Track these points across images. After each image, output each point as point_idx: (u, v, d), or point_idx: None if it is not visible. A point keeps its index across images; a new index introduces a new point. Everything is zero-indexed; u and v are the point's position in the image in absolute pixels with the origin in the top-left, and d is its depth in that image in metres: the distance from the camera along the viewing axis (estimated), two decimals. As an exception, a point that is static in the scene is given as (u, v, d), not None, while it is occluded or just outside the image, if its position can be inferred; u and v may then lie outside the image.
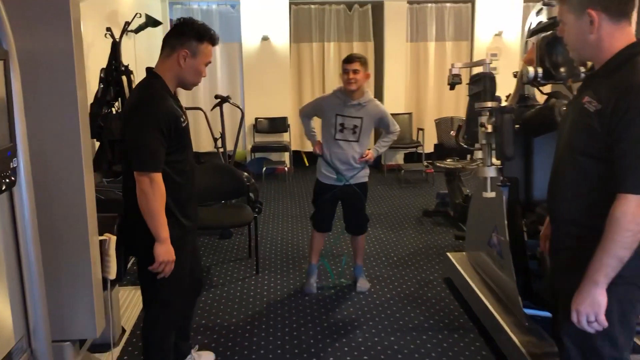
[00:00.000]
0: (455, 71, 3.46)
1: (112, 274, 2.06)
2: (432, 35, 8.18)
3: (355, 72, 3.54)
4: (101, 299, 1.97)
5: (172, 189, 2.20)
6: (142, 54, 6.38)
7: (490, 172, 3.20)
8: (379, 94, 8.34)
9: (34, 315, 1.56)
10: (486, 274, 3.64)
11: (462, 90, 8.24)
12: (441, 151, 6.32)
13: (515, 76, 3.38)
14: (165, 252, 2.15)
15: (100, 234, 2.10)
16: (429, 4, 8.08)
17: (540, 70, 3.08)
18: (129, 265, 2.82)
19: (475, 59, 8.01)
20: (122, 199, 2.37)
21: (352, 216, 3.94)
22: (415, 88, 8.41)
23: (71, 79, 1.77)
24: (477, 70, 3.66)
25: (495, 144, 3.20)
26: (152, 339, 2.41)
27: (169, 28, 7.74)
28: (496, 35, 8.04)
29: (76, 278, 1.86)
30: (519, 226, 3.30)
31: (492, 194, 3.20)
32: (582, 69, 3.05)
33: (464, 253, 4.11)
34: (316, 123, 3.93)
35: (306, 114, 3.94)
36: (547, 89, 3.26)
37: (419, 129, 8.17)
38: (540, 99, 3.45)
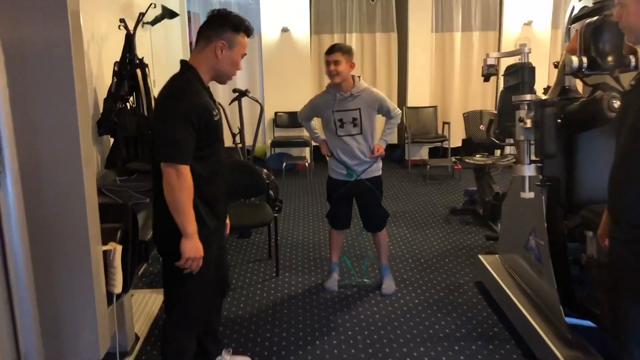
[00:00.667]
0: (490, 61, 3.21)
1: (118, 288, 1.87)
2: (458, 25, 7.87)
3: (336, 63, 3.39)
4: (105, 316, 1.77)
5: (199, 185, 2.13)
6: (158, 47, 6.20)
7: (529, 171, 2.96)
8: (402, 86, 8.08)
9: (25, 338, 1.37)
10: (522, 279, 3.40)
11: (490, 82, 7.97)
12: (469, 146, 6.05)
13: (556, 66, 3.11)
14: (192, 247, 2.09)
15: (105, 243, 1.90)
16: (455, -7, 7.78)
17: (585, 59, 2.83)
18: (142, 269, 2.62)
19: (503, 49, 7.70)
20: (131, 206, 2.21)
21: (367, 212, 3.78)
22: (440, 80, 8.12)
23: (69, 71, 1.57)
24: (512, 60, 3.42)
25: (535, 141, 2.96)
26: (171, 342, 2.30)
27: (186, 20, 7.65)
28: (525, 24, 7.70)
29: (76, 293, 1.67)
30: (560, 229, 3.05)
31: (531, 195, 2.96)
32: (632, 58, 2.80)
33: (496, 255, 3.87)
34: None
35: (305, 117, 3.84)
36: (591, 80, 3.00)
37: (445, 123, 7.89)
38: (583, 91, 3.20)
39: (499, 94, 7.71)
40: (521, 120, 2.90)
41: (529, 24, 7.68)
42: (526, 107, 2.99)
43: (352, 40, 7.89)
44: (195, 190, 2.10)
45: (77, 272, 1.66)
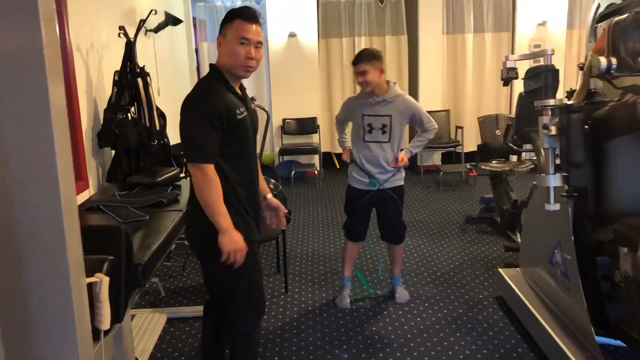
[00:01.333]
0: (510, 64, 3.00)
1: (105, 324, 1.69)
2: (470, 26, 7.65)
3: (363, 73, 3.29)
4: (91, 356, 1.59)
5: (228, 183, 2.18)
6: (162, 55, 6.05)
7: (554, 181, 2.76)
8: (413, 90, 7.87)
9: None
10: (547, 295, 3.18)
11: (509, 83, 7.75)
12: (484, 152, 5.83)
13: (581, 68, 2.91)
14: (229, 240, 2.12)
15: (90, 273, 1.72)
16: (467, -7, 7.57)
17: (613, 60, 2.62)
18: (138, 294, 2.45)
19: (517, 51, 7.48)
20: (124, 229, 2.04)
21: (388, 223, 3.65)
22: (452, 83, 7.90)
23: (41, 81, 1.39)
24: (527, 63, 3.22)
25: (560, 149, 2.76)
26: (238, 334, 2.42)
27: (192, 27, 7.50)
28: (539, 25, 7.48)
29: (55, 334, 1.48)
30: (589, 243, 2.84)
31: (556, 207, 2.76)
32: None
33: (517, 269, 3.65)
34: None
35: (341, 120, 3.76)
36: (619, 82, 2.79)
37: (458, 127, 7.67)
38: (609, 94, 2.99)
39: (514, 97, 7.56)
40: (545, 127, 2.70)
41: (543, 24, 7.45)
42: (550, 113, 2.79)
43: (362, 44, 7.70)
44: (228, 187, 2.16)
45: (56, 309, 1.47)
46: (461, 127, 7.60)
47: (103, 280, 1.66)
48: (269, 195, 2.56)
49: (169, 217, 3.03)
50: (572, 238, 2.78)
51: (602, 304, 2.80)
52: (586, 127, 2.66)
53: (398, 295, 3.69)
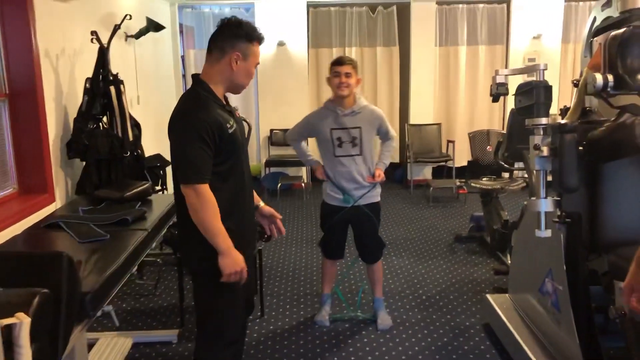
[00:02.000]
0: (500, 79, 2.81)
1: (27, 371, 1.47)
2: (463, 39, 7.48)
3: (347, 75, 3.20)
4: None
5: (219, 199, 2.08)
6: (145, 62, 5.85)
7: (546, 206, 2.56)
8: (404, 103, 7.70)
9: None
10: (536, 325, 2.98)
11: (499, 99, 7.54)
12: (474, 168, 5.65)
13: (575, 85, 2.72)
14: (230, 263, 2.07)
15: (18, 310, 1.51)
16: (460, 5, 7.40)
17: (610, 77, 2.43)
18: (86, 325, 2.22)
19: (511, 64, 7.33)
20: (66, 256, 1.82)
21: (364, 241, 3.51)
22: (444, 97, 7.72)
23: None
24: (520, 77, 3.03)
25: (553, 171, 2.56)
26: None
27: (178, 33, 7.31)
28: (534, 38, 7.32)
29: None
30: (582, 273, 2.63)
31: (548, 233, 2.56)
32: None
33: (506, 295, 3.45)
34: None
35: (296, 136, 3.56)
36: (616, 101, 2.61)
37: (449, 142, 7.49)
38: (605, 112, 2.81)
39: (508, 112, 7.38)
40: (537, 147, 2.50)
41: (538, 37, 7.29)
42: (542, 132, 2.60)
43: (352, 54, 7.51)
44: (221, 206, 2.08)
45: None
46: (452, 142, 7.42)
47: (24, 322, 1.45)
48: (261, 204, 2.53)
49: (132, 236, 2.82)
50: (564, 267, 2.58)
51: (595, 339, 2.59)
52: (580, 148, 2.46)
53: (380, 321, 3.51)
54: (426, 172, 7.67)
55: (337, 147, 3.29)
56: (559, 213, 2.66)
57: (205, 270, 2.15)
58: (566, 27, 7.41)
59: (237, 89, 2.23)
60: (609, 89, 2.44)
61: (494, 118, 7.68)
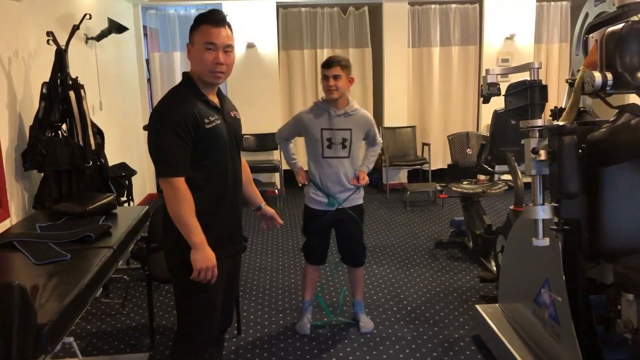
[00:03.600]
0: (491, 79, 2.65)
1: None
2: (436, 39, 7.37)
3: (336, 77, 3.09)
4: None
5: (198, 196, 2.05)
6: (107, 65, 5.55)
7: (543, 213, 2.41)
8: (378, 105, 7.54)
9: None
10: (531, 337, 2.83)
11: (471, 99, 7.49)
12: (454, 171, 5.52)
13: (571, 85, 2.58)
14: (202, 258, 2.03)
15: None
16: (433, 5, 7.29)
17: (609, 75, 2.29)
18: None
19: (485, 65, 7.25)
20: (18, 286, 1.58)
21: (348, 245, 3.45)
22: (418, 99, 7.59)
23: None
24: (510, 77, 2.88)
25: (551, 176, 2.42)
26: (177, 355, 2.28)
27: (142, 36, 7.01)
28: (507, 38, 7.26)
29: None
30: (582, 283, 2.49)
31: (545, 242, 2.41)
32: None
33: (496, 305, 3.29)
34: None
35: (285, 135, 3.47)
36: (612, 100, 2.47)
37: (424, 144, 7.36)
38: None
39: (483, 113, 7.30)
40: (535, 151, 2.35)
41: (511, 38, 7.23)
42: (537, 135, 2.45)
43: (324, 56, 7.32)
44: (198, 202, 2.04)
45: None
46: (428, 144, 7.29)
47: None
48: (263, 205, 2.53)
49: (95, 255, 2.57)
50: (564, 277, 2.43)
51: (598, 352, 2.45)
52: (580, 151, 2.32)
53: (362, 324, 3.47)
54: (402, 176, 7.52)
55: (326, 147, 3.22)
56: (556, 220, 2.51)
57: (180, 267, 2.10)
58: (538, 28, 7.37)
59: (205, 77, 2.09)
60: (607, 88, 2.30)
61: (468, 119, 7.59)
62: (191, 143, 2.02)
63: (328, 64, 3.11)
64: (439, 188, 5.18)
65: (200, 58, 2.05)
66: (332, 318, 3.59)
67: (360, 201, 3.37)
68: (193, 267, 2.03)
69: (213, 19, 2.05)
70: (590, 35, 2.56)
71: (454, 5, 7.29)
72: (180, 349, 2.26)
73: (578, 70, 2.60)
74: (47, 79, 3.63)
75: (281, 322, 3.60)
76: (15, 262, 2.50)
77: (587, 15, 2.71)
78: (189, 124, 2.00)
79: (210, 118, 2.07)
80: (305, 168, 3.38)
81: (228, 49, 2.08)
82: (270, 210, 2.55)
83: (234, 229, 2.29)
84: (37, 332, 1.78)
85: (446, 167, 7.42)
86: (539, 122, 2.42)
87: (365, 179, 3.29)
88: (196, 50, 2.06)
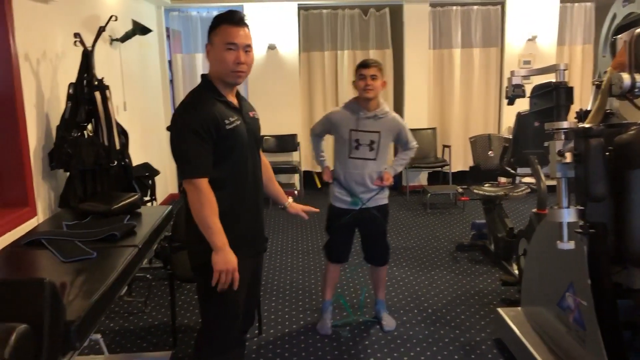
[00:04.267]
0: (516, 80, 2.64)
1: None
2: (457, 41, 7.32)
3: (373, 78, 3.13)
4: None
5: (218, 197, 2.05)
6: (131, 66, 5.62)
7: (569, 216, 2.38)
8: (398, 106, 7.53)
9: None
10: (555, 342, 2.80)
11: (492, 101, 7.42)
12: (474, 174, 5.48)
13: (598, 86, 2.56)
14: (222, 260, 2.03)
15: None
16: (454, 7, 7.25)
17: (638, 77, 2.27)
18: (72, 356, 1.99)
19: (506, 67, 7.19)
20: (49, 283, 1.60)
21: (371, 244, 3.49)
22: (439, 100, 7.56)
23: None
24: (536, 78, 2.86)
25: (577, 179, 2.39)
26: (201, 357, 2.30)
27: (165, 37, 7.08)
28: (529, 40, 7.18)
29: None
30: (608, 287, 2.46)
31: (571, 245, 2.38)
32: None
33: (519, 309, 3.27)
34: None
35: (318, 132, 3.49)
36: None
37: (445, 146, 7.33)
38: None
39: (504, 115, 7.24)
40: (561, 153, 2.33)
41: (533, 39, 7.16)
42: (562, 137, 2.43)
43: (344, 57, 7.34)
44: (220, 203, 2.05)
45: None
46: (448, 146, 7.26)
47: (-3, 369, 1.23)
48: (288, 203, 2.59)
49: (121, 254, 2.60)
50: (589, 281, 2.40)
51: (624, 358, 2.41)
52: (607, 153, 2.29)
53: (385, 323, 3.51)
54: (422, 178, 7.50)
55: (353, 148, 3.25)
56: (581, 223, 2.49)
57: (203, 267, 2.10)
58: (561, 30, 7.29)
59: (226, 78, 2.10)
60: (636, 90, 2.27)
61: (489, 121, 7.53)
62: (212, 144, 2.03)
63: (366, 64, 3.15)
64: (460, 190, 5.15)
65: (221, 58, 2.05)
66: (354, 317, 3.62)
67: (385, 201, 3.39)
68: (214, 269, 2.04)
69: (232, 19, 2.07)
70: (619, 36, 2.53)
71: (475, 7, 7.24)
72: (204, 350, 2.27)
73: (605, 72, 2.58)
74: (73, 80, 3.69)
75: (302, 322, 3.61)
76: (43, 259, 2.54)
77: (614, 16, 2.68)
78: (210, 125, 2.01)
79: (230, 119, 2.08)
80: (332, 167, 3.42)
81: (247, 48, 2.10)
82: (295, 207, 2.60)
83: (255, 229, 2.30)
84: (66, 329, 1.81)
85: (466, 169, 7.38)
86: (565, 124, 2.40)
87: (389, 180, 3.30)
88: (217, 51, 2.06)
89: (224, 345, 2.25)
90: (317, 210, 2.62)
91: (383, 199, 3.37)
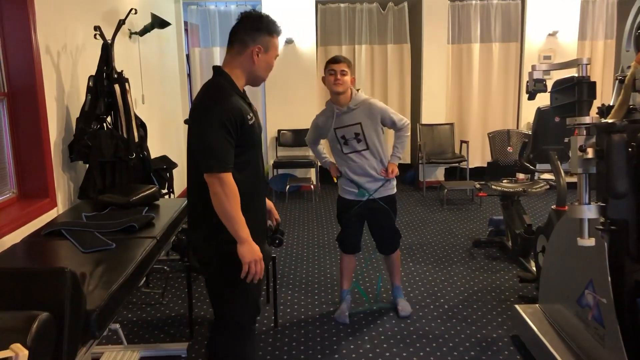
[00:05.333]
0: (537, 75, 2.61)
1: (23, 411, 1.27)
2: (476, 36, 7.27)
3: (343, 73, 3.24)
4: None
5: (241, 192, 2.08)
6: (149, 59, 5.65)
7: (590, 213, 2.35)
8: (416, 102, 7.49)
9: None
10: (573, 339, 2.77)
11: (511, 97, 7.36)
12: (494, 169, 5.44)
13: (621, 81, 2.52)
14: (249, 251, 2.07)
15: (13, 337, 1.31)
16: (473, 1, 7.18)
17: (664, 72, 2.22)
18: (93, 344, 2.02)
19: (526, 62, 7.11)
20: (69, 271, 1.62)
21: (380, 234, 3.58)
22: (457, 96, 7.50)
23: None
24: (557, 73, 2.82)
25: (598, 175, 2.36)
26: (219, 354, 2.29)
27: (183, 31, 7.11)
28: (550, 35, 7.10)
29: None
30: (629, 285, 2.43)
31: (591, 242, 2.35)
32: None
33: (536, 306, 3.24)
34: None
35: (311, 140, 3.65)
36: None
37: (463, 142, 7.28)
38: None
39: (523, 111, 7.17)
40: (582, 149, 2.30)
41: (553, 34, 7.08)
42: (584, 132, 2.39)
43: (362, 52, 7.32)
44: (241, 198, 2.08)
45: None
46: (466, 142, 7.21)
47: (20, 355, 1.24)
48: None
49: (140, 245, 2.62)
50: (609, 279, 2.37)
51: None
52: (629, 150, 2.26)
53: (401, 308, 3.60)
54: (439, 174, 7.46)
55: (343, 145, 3.36)
56: (602, 220, 2.46)
57: (220, 260, 2.15)
58: (582, 24, 7.19)
59: (256, 81, 2.25)
60: (662, 85, 2.24)
61: (508, 117, 7.46)
62: (236, 138, 2.06)
63: (335, 60, 3.24)
64: (478, 186, 5.11)
65: (270, 65, 2.23)
66: (371, 305, 3.70)
67: (392, 191, 3.46)
68: (242, 260, 2.05)
69: (280, 33, 2.25)
70: (643, 30, 2.49)
71: (495, 1, 7.17)
72: (223, 341, 2.27)
73: (628, 67, 2.53)
74: (93, 73, 3.72)
75: (317, 316, 3.61)
76: (62, 249, 2.57)
77: (639, 9, 2.63)
78: (237, 119, 2.05)
79: (249, 114, 2.13)
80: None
81: None
82: (269, 203, 2.47)
83: (263, 221, 2.34)
84: (87, 318, 1.83)
85: (484, 165, 7.33)
86: (587, 120, 2.37)
87: (394, 172, 3.37)
88: (269, 57, 2.19)
89: (243, 335, 2.28)
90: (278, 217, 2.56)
91: (390, 189, 3.44)
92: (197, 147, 2.09)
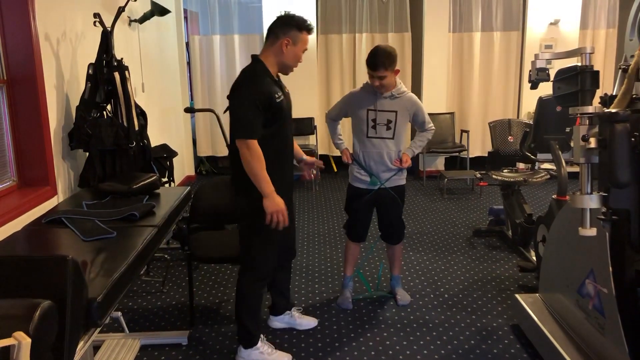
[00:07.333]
0: (540, 64, 2.59)
1: (27, 399, 1.27)
2: (477, 24, 7.23)
3: (381, 78, 3.18)
4: None
5: (267, 152, 2.52)
6: (149, 47, 5.62)
7: (591, 202, 2.35)
8: (416, 90, 7.45)
9: None
10: (573, 329, 2.78)
11: (512, 86, 7.32)
12: (495, 159, 5.43)
13: (624, 71, 2.50)
14: (272, 203, 2.51)
15: (15, 325, 1.30)
16: (475, -10, 7.14)
17: (668, 61, 2.21)
18: (94, 333, 2.02)
19: (527, 51, 7.08)
20: (72, 259, 1.61)
21: (388, 224, 3.58)
22: (458, 85, 7.48)
23: None
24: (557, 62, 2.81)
25: (600, 165, 2.35)
26: (238, 293, 2.79)
27: (183, 18, 7.06)
28: (551, 24, 7.06)
29: None
30: (629, 275, 2.43)
31: (593, 232, 2.35)
32: None
33: (537, 295, 3.25)
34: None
35: (334, 116, 3.56)
36: None
37: (463, 131, 7.26)
38: None
39: (524, 100, 7.14)
40: (585, 138, 2.29)
41: (555, 23, 7.04)
42: (587, 122, 2.38)
43: (362, 40, 7.28)
44: (265, 157, 2.51)
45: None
46: (467, 131, 7.19)
47: (22, 343, 1.24)
48: (304, 157, 3.04)
49: (140, 233, 2.62)
50: (610, 269, 2.38)
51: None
52: (632, 139, 2.25)
53: (399, 297, 3.64)
54: (439, 163, 7.45)
55: (370, 128, 3.32)
56: (604, 210, 2.45)
57: (249, 212, 2.62)
58: (584, 13, 7.15)
59: (286, 69, 2.66)
60: (666, 74, 2.22)
61: (508, 107, 7.44)
62: (264, 113, 2.50)
63: (374, 66, 3.13)
64: (478, 176, 5.10)
65: (298, 56, 2.64)
66: (372, 292, 3.73)
67: (402, 182, 3.47)
68: (266, 211, 2.50)
69: (311, 30, 2.64)
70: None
71: (497, -10, 7.13)
72: (247, 276, 2.76)
73: (632, 56, 2.52)
74: (93, 60, 3.70)
75: (317, 304, 3.62)
76: (64, 237, 2.57)
77: (643, -2, 2.61)
78: (265, 99, 2.50)
79: (278, 94, 2.56)
80: (350, 149, 3.47)
81: None
82: (310, 159, 3.05)
83: (289, 178, 2.82)
84: (88, 305, 1.83)
85: (484, 155, 7.32)
86: (590, 109, 2.36)
87: (407, 162, 3.36)
88: (297, 50, 2.61)
89: (263, 272, 2.77)
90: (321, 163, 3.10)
91: (401, 179, 3.45)
92: (232, 119, 2.53)
